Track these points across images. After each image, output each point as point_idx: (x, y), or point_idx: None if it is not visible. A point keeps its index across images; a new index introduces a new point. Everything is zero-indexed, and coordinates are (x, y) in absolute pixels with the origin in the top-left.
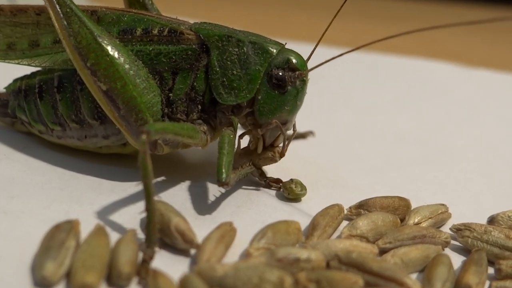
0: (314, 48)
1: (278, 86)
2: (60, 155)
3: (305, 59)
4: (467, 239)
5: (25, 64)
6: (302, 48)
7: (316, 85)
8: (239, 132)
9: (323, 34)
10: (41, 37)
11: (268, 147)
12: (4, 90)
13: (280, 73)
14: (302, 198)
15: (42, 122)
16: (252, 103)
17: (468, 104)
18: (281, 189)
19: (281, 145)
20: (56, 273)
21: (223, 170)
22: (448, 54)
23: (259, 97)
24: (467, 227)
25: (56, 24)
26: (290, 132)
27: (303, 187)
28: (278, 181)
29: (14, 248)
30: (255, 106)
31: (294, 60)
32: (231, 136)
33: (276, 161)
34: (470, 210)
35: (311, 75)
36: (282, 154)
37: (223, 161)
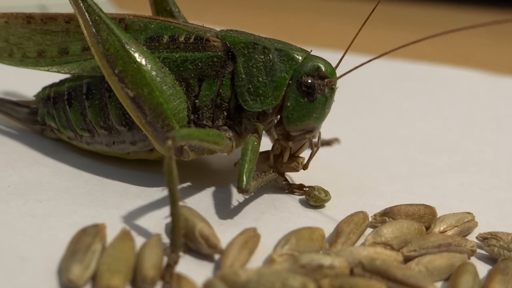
0: (342, 57)
1: (308, 93)
2: (88, 161)
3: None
4: (493, 248)
5: (54, 71)
6: (327, 55)
7: (342, 92)
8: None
9: (351, 43)
10: (71, 44)
11: (291, 156)
12: (34, 98)
13: (310, 81)
14: (326, 205)
15: (71, 128)
16: (278, 110)
17: (494, 111)
18: (305, 197)
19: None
20: (82, 276)
21: (244, 178)
22: (475, 61)
23: (288, 104)
24: (493, 235)
25: (85, 32)
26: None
27: (327, 193)
28: (301, 187)
29: (41, 251)
30: (283, 112)
31: (323, 68)
32: (255, 143)
33: (297, 171)
34: (496, 219)
35: (337, 81)
36: (305, 167)
37: (244, 168)
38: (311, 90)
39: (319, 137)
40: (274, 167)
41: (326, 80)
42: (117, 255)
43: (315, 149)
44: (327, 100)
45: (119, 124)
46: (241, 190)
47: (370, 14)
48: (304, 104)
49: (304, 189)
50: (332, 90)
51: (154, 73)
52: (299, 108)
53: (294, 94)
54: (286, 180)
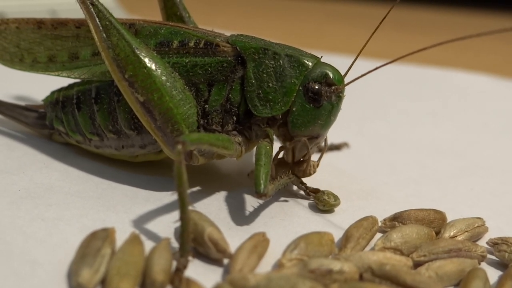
0: (352, 64)
1: (314, 99)
2: (97, 165)
3: (342, 73)
4: (504, 253)
5: (64, 76)
6: (338, 61)
7: (352, 97)
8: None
9: (360, 51)
10: (81, 49)
11: (301, 161)
12: (42, 103)
13: (316, 87)
14: (336, 209)
15: (80, 132)
16: (286, 115)
17: (505, 116)
18: (314, 202)
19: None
20: (91, 280)
21: (261, 182)
22: (485, 66)
23: (294, 109)
24: (504, 241)
25: (95, 37)
26: (322, 145)
27: (336, 197)
28: (316, 191)
29: (52, 255)
30: (288, 117)
31: (331, 75)
32: (268, 147)
33: (310, 175)
34: (507, 224)
35: (346, 86)
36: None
37: (260, 173)
38: (317, 96)
39: (325, 142)
40: (290, 170)
41: (333, 87)
42: (127, 259)
43: (323, 149)
44: (334, 107)
45: (127, 128)
46: (259, 195)
47: (383, 20)
48: (309, 110)
49: (313, 196)
50: (339, 97)
51: (164, 78)
52: (304, 114)
53: (300, 100)
54: (302, 183)
